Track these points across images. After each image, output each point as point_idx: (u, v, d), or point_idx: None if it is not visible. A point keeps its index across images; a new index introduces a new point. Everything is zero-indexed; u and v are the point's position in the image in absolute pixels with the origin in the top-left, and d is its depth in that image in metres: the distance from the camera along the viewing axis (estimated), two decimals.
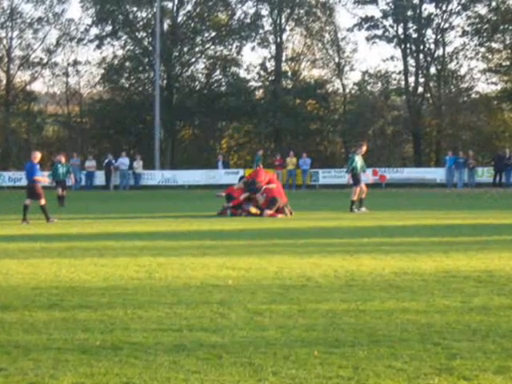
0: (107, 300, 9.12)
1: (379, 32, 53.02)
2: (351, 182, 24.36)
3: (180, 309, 8.53)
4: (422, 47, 53.22)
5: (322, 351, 6.68)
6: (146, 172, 47.15)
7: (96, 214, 24.87)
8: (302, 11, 55.05)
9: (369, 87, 55.63)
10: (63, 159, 31.75)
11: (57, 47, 56.31)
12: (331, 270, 11.25)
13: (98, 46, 55.78)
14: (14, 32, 55.87)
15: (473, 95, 54.18)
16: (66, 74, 57.47)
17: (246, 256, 13.07)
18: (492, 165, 44.53)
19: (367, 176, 28.19)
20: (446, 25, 52.58)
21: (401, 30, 53.03)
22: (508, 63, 52.07)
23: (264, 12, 55.13)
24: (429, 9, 52.64)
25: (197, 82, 57.49)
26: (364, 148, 25.25)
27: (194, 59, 56.64)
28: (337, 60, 55.30)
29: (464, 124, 53.09)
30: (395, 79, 54.13)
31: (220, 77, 57.14)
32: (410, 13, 52.46)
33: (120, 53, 56.67)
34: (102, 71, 57.05)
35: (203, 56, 56.86)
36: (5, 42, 56.03)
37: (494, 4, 51.49)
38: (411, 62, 53.67)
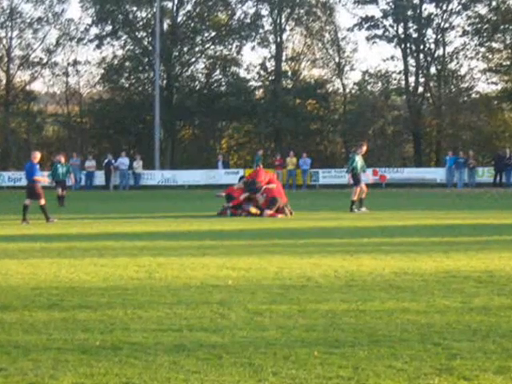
0: (107, 300, 9.11)
1: (379, 32, 53.06)
2: (351, 182, 24.35)
3: (180, 309, 8.52)
4: (422, 47, 53.21)
5: (322, 351, 6.67)
6: (145, 172, 47.15)
7: (96, 214, 24.86)
8: (302, 11, 55.05)
9: (369, 87, 55.64)
10: (63, 159, 31.74)
11: (57, 47, 56.34)
12: (331, 270, 11.24)
13: (98, 46, 55.79)
14: (13, 32, 55.95)
15: (473, 95, 54.19)
16: (66, 74, 57.51)
17: (245, 256, 13.06)
18: (492, 165, 44.52)
19: (367, 176, 28.18)
20: (447, 25, 52.62)
21: (401, 30, 53.05)
22: (508, 63, 52.06)
23: (264, 12, 55.23)
24: (429, 8, 52.75)
25: (197, 82, 57.49)
26: (364, 148, 25.24)
27: (193, 59, 56.64)
28: (337, 60, 55.30)
29: (464, 124, 53.08)
30: (395, 79, 54.16)
31: (220, 77, 57.15)
32: (410, 12, 52.46)
33: (120, 53, 56.78)
34: (102, 71, 57.08)
35: (203, 56, 56.87)
36: (4, 41, 56.07)
37: (494, 4, 51.49)
38: (411, 61, 53.73)
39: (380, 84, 54.97)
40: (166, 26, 55.97)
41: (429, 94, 54.46)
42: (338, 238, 16.32)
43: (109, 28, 55.79)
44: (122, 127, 55.62)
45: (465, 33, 52.15)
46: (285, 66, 56.42)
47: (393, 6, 52.50)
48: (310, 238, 16.14)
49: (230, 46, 55.89)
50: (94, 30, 55.82)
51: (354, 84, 55.95)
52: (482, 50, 52.58)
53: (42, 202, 21.27)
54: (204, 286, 10.05)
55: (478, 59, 52.89)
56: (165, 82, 55.17)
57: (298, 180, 44.71)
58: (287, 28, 56.04)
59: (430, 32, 52.91)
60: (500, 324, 7.69)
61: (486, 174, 43.71)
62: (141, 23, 56.25)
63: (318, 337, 7.23)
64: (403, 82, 54.01)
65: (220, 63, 56.50)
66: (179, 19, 56.23)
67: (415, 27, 52.69)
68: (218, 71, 57.03)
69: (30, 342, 7.12)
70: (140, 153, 49.79)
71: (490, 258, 12.40)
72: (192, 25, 56.17)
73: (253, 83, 56.54)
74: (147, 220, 21.92)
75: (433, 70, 53.97)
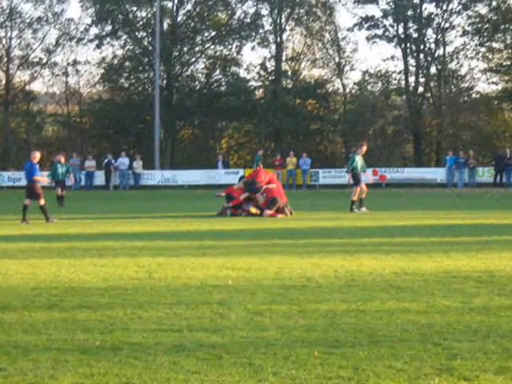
0: (107, 300, 9.10)
1: (379, 32, 53.05)
2: (351, 182, 24.34)
3: (180, 309, 8.51)
4: (422, 47, 53.20)
5: (322, 351, 6.67)
6: (145, 172, 47.14)
7: (96, 214, 24.85)
8: (302, 11, 55.04)
9: (369, 87, 55.63)
10: (63, 159, 31.74)
11: (56, 47, 56.30)
12: (331, 271, 11.23)
13: (98, 46, 55.76)
14: (13, 32, 55.92)
15: (473, 95, 54.18)
16: (66, 74, 57.47)
17: (246, 256, 13.05)
18: (492, 165, 44.51)
19: (367, 176, 28.16)
20: (447, 24, 52.61)
21: (401, 30, 53.04)
22: (508, 63, 52.05)
23: (264, 11, 55.21)
24: (429, 8, 52.75)
25: (197, 82, 57.48)
26: (364, 148, 25.23)
27: (193, 59, 56.63)
28: (337, 60, 55.29)
29: (464, 124, 53.07)
30: (395, 79, 54.15)
31: (220, 76, 57.14)
32: (410, 12, 52.45)
33: (120, 52, 56.76)
34: (102, 71, 57.06)
35: (203, 56, 56.85)
36: (4, 41, 56.04)
37: (494, 3, 51.48)
38: (411, 61, 53.72)
39: (380, 84, 54.99)
40: (165, 26, 55.96)
41: (429, 94, 54.46)
42: (338, 238, 16.31)
43: (109, 28, 55.78)
44: (122, 127, 55.61)
45: (465, 33, 52.15)
46: (285, 66, 56.43)
47: (393, 6, 52.48)
48: (310, 238, 16.13)
49: (229, 46, 55.91)
50: (94, 30, 55.93)
51: (354, 84, 56.03)
52: (483, 49, 52.61)
53: (42, 202, 21.26)
54: (204, 286, 10.04)
55: (478, 59, 52.94)
56: (165, 81, 55.16)
57: (298, 180, 44.71)
58: (287, 28, 56.11)
59: (430, 32, 52.97)
60: (500, 324, 7.68)
61: (486, 174, 43.70)
62: (141, 23, 56.24)
63: (318, 337, 7.22)
64: (403, 82, 54.02)
65: (220, 63, 56.49)
66: (179, 19, 56.24)
67: (415, 27, 52.68)
68: (217, 71, 57.02)
69: (30, 342, 7.11)
70: (140, 153, 49.78)
71: (490, 258, 12.39)
72: (192, 24, 56.17)
73: (253, 83, 56.60)
74: (147, 220, 21.91)
75: (433, 69, 53.99)
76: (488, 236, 16.21)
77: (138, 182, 46.27)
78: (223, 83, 56.69)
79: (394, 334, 7.28)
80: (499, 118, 54.27)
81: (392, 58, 53.47)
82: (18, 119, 57.33)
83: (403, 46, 53.17)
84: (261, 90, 57.14)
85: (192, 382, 5.91)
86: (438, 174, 45.03)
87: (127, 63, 56.67)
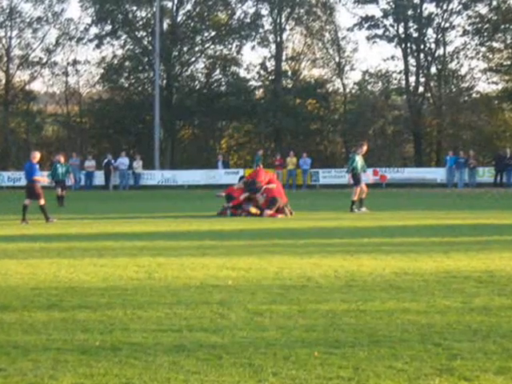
0: (107, 300, 9.09)
1: (380, 31, 53.03)
2: (351, 182, 24.34)
3: (180, 309, 8.50)
4: (422, 47, 53.18)
5: (322, 352, 6.66)
6: (145, 172, 47.12)
7: (95, 214, 24.84)
8: (302, 10, 55.03)
9: (369, 87, 55.63)
10: (62, 159, 31.73)
11: (56, 47, 56.25)
12: (331, 271, 11.22)
13: (98, 46, 55.74)
14: (13, 31, 55.87)
15: (473, 95, 54.15)
16: (66, 74, 57.44)
17: (246, 256, 13.04)
18: (493, 165, 44.50)
19: (367, 176, 28.12)
20: (447, 24, 52.59)
21: (401, 30, 53.01)
22: (509, 63, 52.04)
23: (264, 11, 55.18)
24: (429, 8, 52.72)
25: (196, 82, 57.46)
26: (364, 148, 25.22)
27: (193, 59, 56.61)
28: (337, 59, 55.26)
29: (465, 124, 53.07)
30: (396, 79, 54.14)
31: (220, 76, 57.11)
32: (410, 12, 52.45)
33: (119, 52, 56.73)
34: (102, 71, 57.02)
35: (203, 55, 56.84)
36: (4, 41, 56.01)
37: (494, 3, 51.47)
38: (412, 61, 53.70)
39: (380, 84, 54.99)
40: (165, 26, 55.94)
41: (429, 94, 54.44)
42: (338, 238, 16.30)
43: (108, 28, 55.74)
44: (122, 127, 55.60)
45: (465, 32, 52.14)
46: (285, 66, 56.41)
47: (393, 6, 52.48)
48: (310, 238, 16.12)
49: (229, 46, 55.89)
50: (94, 30, 55.89)
51: (354, 84, 56.02)
52: (483, 49, 52.59)
53: (42, 201, 21.25)
54: (204, 286, 10.03)
55: (478, 59, 52.93)
56: (165, 81, 55.14)
57: (298, 180, 44.69)
58: (287, 28, 56.08)
59: (430, 32, 52.95)
60: (501, 324, 7.67)
61: (486, 173, 43.69)
62: (140, 23, 56.22)
63: (318, 337, 7.21)
64: (403, 82, 54.00)
65: (220, 63, 56.47)
66: (179, 19, 56.22)
67: (415, 27, 52.66)
68: (217, 71, 57.00)
69: (30, 343, 7.11)
70: (140, 153, 49.76)
71: (490, 258, 12.38)
72: (192, 24, 56.15)
73: (253, 83, 56.58)
74: (147, 220, 21.90)
75: (433, 69, 53.97)
76: (488, 236, 16.20)
77: (137, 182, 46.26)
78: (223, 83, 56.67)
79: (394, 334, 7.28)
80: (499, 117, 54.27)
81: (392, 57, 53.51)
82: (18, 119, 57.31)
83: (403, 45, 53.15)
84: (261, 90, 57.13)
85: (192, 382, 5.90)
86: (438, 174, 45.02)
87: (127, 63, 56.65)
